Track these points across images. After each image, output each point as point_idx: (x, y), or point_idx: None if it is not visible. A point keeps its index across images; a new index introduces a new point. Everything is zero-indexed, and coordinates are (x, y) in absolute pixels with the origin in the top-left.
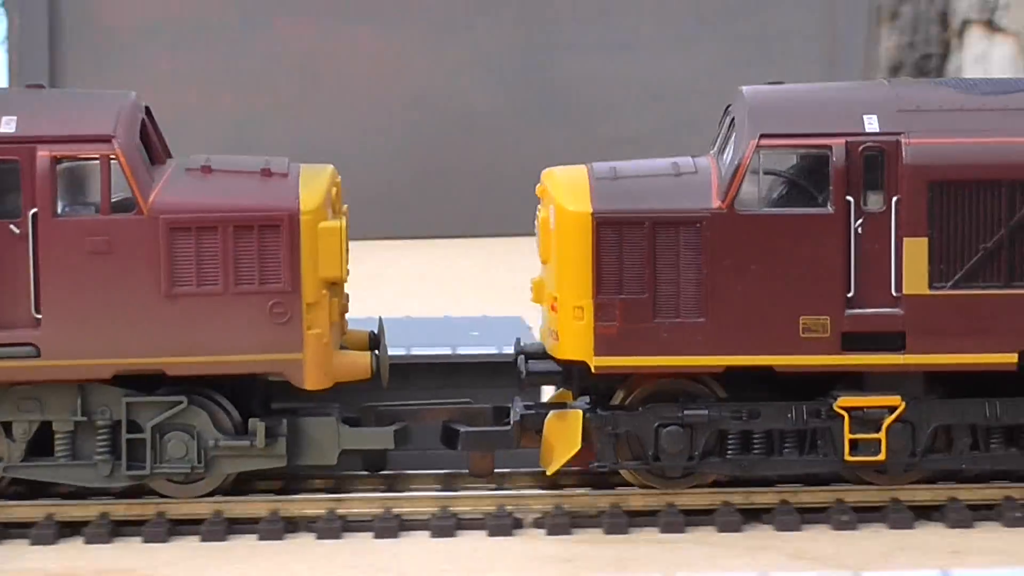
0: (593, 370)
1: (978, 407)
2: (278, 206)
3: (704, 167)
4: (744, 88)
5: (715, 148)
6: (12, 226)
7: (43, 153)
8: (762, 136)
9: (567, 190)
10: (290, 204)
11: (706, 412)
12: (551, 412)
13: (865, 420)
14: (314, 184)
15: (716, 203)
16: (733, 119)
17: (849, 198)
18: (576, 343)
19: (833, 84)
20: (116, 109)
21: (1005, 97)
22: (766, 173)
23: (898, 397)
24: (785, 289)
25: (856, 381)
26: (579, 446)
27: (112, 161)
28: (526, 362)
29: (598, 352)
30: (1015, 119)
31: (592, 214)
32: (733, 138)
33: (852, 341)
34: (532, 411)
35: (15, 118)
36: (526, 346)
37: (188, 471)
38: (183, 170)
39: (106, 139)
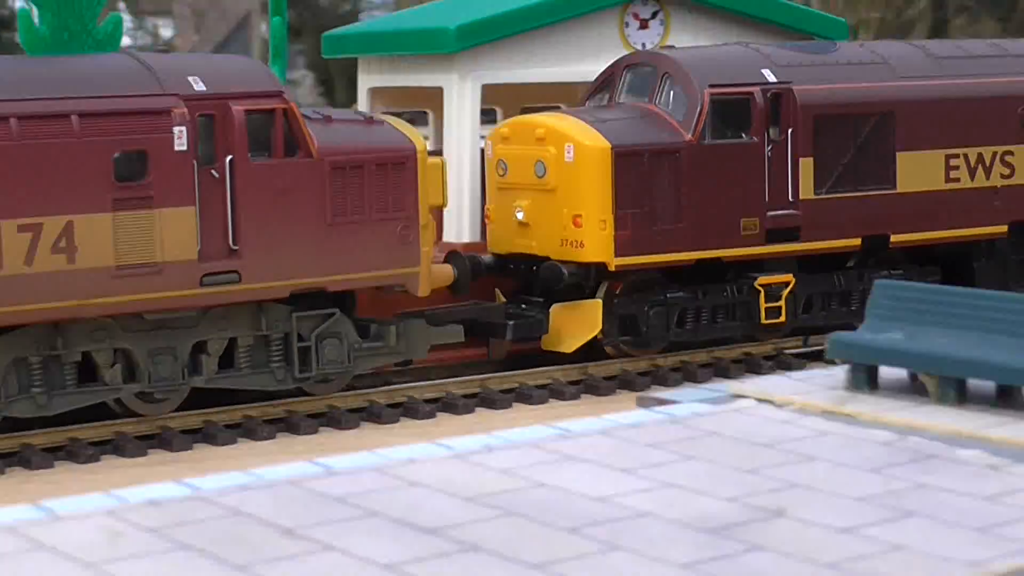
0: (613, 268)
1: (830, 280)
2: (403, 147)
3: (654, 112)
4: (670, 51)
5: (615, 96)
6: (212, 171)
7: (236, 107)
8: (710, 86)
9: (580, 132)
10: (409, 145)
11: (680, 294)
12: (554, 305)
13: (771, 294)
14: (408, 129)
15: (687, 137)
16: (644, 73)
17: (764, 131)
18: (600, 248)
19: (725, 48)
20: (266, 70)
21: (847, 54)
22: (712, 114)
23: (791, 275)
24: (731, 199)
25: (757, 267)
26: (600, 327)
27: (284, 112)
28: (561, 268)
29: (617, 254)
30: (860, 71)
31: (611, 148)
32: (665, 88)
33: (772, 235)
34: (542, 307)
35: (199, 78)
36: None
37: (342, 370)
38: (309, 120)
39: (278, 95)
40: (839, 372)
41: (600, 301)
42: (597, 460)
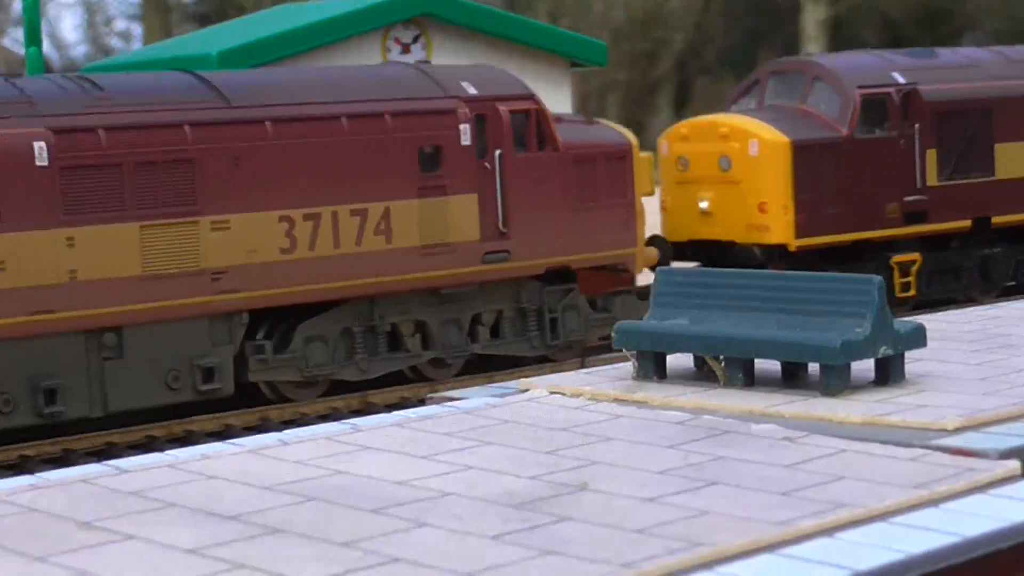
0: (793, 248)
1: (947, 257)
2: (622, 142)
3: (809, 111)
4: (818, 56)
5: (763, 99)
6: (485, 163)
7: (503, 108)
8: (859, 87)
9: (762, 129)
10: (626, 140)
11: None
12: None
13: (903, 270)
14: (620, 127)
15: (844, 132)
16: (791, 78)
17: (900, 126)
18: (783, 231)
19: (857, 54)
20: (516, 77)
21: (949, 59)
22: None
23: (918, 254)
24: (877, 186)
25: (889, 247)
26: None
27: (537, 112)
28: (754, 250)
29: (797, 236)
30: (964, 73)
31: (791, 142)
32: (817, 90)
33: (907, 218)
34: None
35: (469, 83)
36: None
37: (580, 337)
38: None
39: (531, 97)
40: (627, 366)
41: None
42: (394, 449)
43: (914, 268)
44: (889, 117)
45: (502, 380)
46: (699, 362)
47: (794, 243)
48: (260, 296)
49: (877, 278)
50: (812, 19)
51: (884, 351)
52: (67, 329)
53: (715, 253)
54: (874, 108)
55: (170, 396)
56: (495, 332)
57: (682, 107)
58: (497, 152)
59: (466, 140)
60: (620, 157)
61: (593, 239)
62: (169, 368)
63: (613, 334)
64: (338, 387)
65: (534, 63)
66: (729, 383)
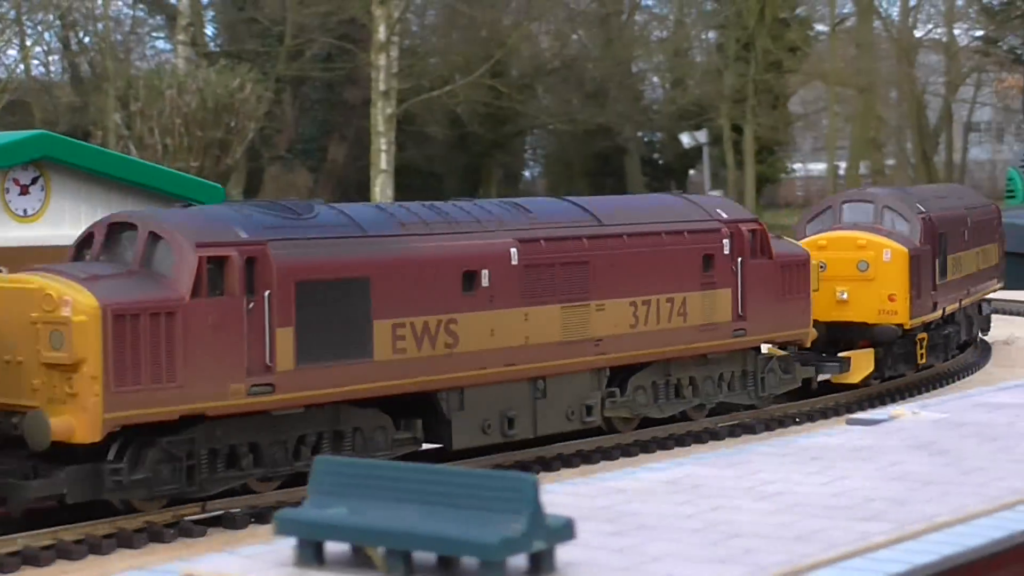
0: (907, 326)
1: None
2: (804, 253)
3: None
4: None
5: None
6: (732, 267)
7: (744, 228)
8: (919, 214)
9: (890, 241)
10: (805, 252)
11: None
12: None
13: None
14: (795, 242)
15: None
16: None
17: None
18: (904, 315)
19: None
20: (738, 204)
21: None
22: None
23: None
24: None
25: None
26: (872, 367)
27: (761, 231)
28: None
29: (911, 317)
30: None
31: (908, 252)
32: (884, 214)
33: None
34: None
35: (720, 210)
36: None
37: (776, 392)
38: None
39: (756, 220)
40: (286, 547)
41: (873, 350)
42: None
43: None
44: None
45: None
46: (355, 548)
47: (908, 323)
48: (617, 357)
49: (533, 477)
50: (382, 114)
51: (537, 546)
52: (521, 377)
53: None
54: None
55: (567, 425)
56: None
57: (254, 194)
58: (739, 259)
59: (726, 250)
60: (803, 264)
61: (787, 321)
62: (568, 405)
63: (275, 521)
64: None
65: (151, 203)
66: (389, 572)
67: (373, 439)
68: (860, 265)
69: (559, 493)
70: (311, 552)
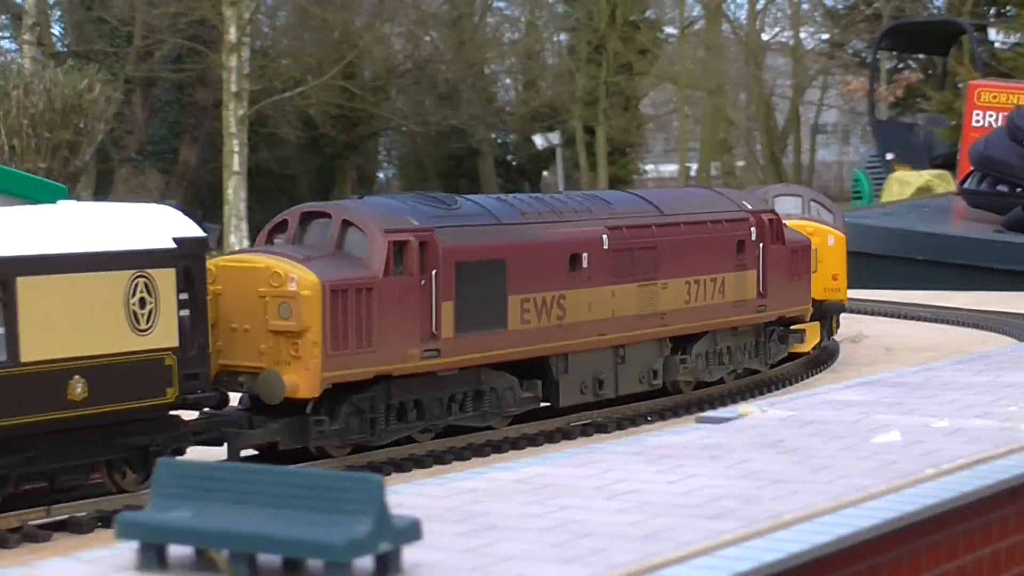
0: (846, 302)
1: None
2: (807, 240)
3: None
4: None
5: None
6: (756, 251)
7: (764, 217)
8: None
9: (831, 230)
10: (808, 239)
11: None
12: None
13: None
14: (795, 232)
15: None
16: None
17: None
18: (843, 293)
19: None
20: (761, 198)
21: None
22: None
23: None
24: None
25: None
26: (819, 337)
27: (776, 220)
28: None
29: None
30: None
31: (845, 238)
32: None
33: None
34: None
35: (746, 201)
36: None
37: (776, 360)
38: None
39: (774, 211)
40: (128, 551)
41: (819, 323)
42: None
43: None
44: None
45: None
46: (199, 550)
47: (847, 299)
48: (677, 328)
49: (379, 477)
50: (233, 115)
51: (383, 547)
52: (608, 346)
53: None
54: None
55: (639, 387)
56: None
57: (105, 196)
58: (761, 244)
59: (753, 236)
60: (807, 249)
61: (795, 298)
62: (640, 370)
63: (116, 524)
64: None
65: None
66: (233, 575)
67: (505, 397)
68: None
69: (408, 494)
70: (153, 556)
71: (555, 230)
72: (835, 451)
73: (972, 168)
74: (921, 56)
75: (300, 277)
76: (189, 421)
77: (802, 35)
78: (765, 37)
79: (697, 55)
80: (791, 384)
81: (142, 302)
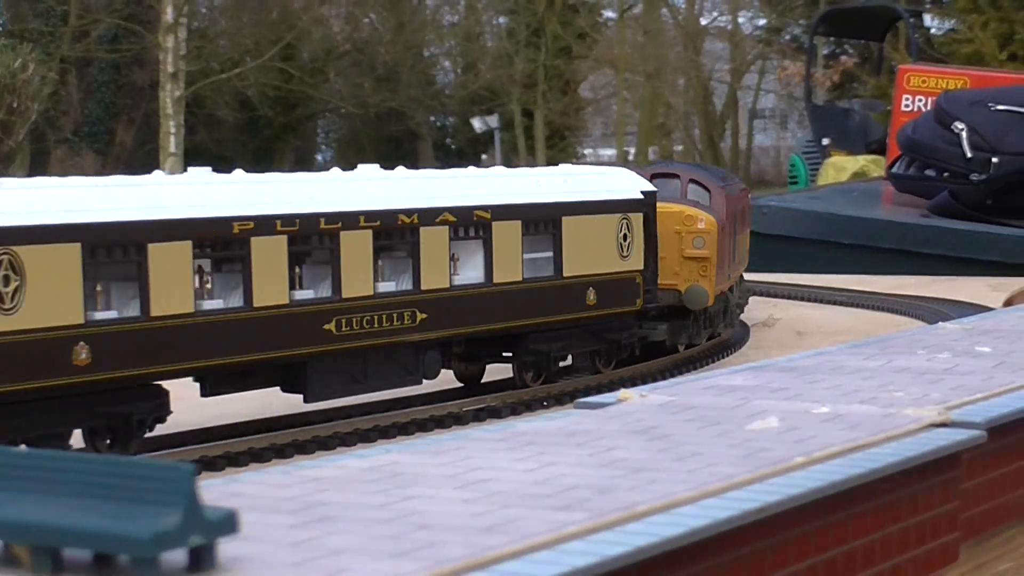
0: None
1: None
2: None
3: None
4: None
5: None
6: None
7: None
8: None
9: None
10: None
11: None
12: None
13: None
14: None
15: None
16: None
17: None
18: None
19: None
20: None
21: None
22: None
23: None
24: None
25: None
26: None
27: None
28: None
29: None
30: None
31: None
32: None
33: None
34: None
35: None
36: None
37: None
38: None
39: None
40: None
41: None
42: None
43: None
44: None
45: None
46: (6, 545)
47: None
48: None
49: (189, 466)
50: (170, 96)
51: (195, 541)
52: None
53: None
54: None
55: None
56: None
57: (39, 176)
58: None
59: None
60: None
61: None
62: None
63: None
64: None
65: None
66: (36, 569)
67: None
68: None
69: (249, 483)
70: None
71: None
72: (707, 438)
73: (901, 152)
74: (857, 41)
75: (706, 218)
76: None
77: (740, 20)
78: (703, 21)
79: (636, 39)
80: (696, 368)
81: (624, 237)
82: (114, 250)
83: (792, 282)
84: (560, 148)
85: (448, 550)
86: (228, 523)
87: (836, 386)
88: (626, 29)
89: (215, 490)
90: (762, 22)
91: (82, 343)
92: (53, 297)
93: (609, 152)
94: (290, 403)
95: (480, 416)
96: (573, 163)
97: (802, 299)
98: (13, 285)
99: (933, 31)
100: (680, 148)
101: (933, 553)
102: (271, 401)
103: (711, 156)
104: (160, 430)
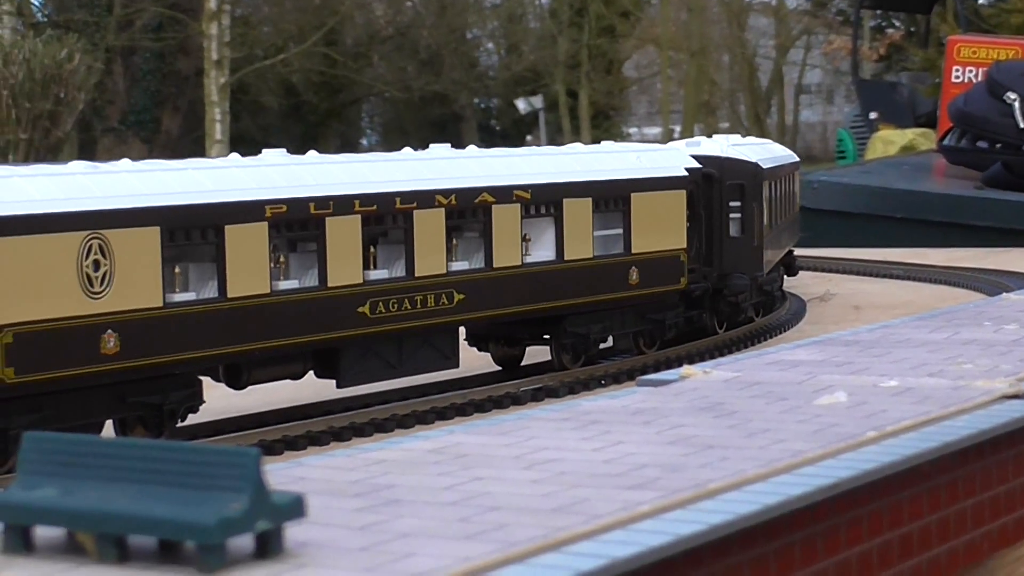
0: None
1: None
2: None
3: None
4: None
5: None
6: None
7: None
8: None
9: None
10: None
11: None
12: None
13: None
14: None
15: None
16: None
17: None
18: None
19: None
20: None
21: None
22: None
23: None
24: None
25: None
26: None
27: None
28: None
29: None
30: None
31: None
32: None
33: None
34: None
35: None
36: None
37: None
38: None
39: None
40: None
41: None
42: None
43: None
44: None
45: None
46: (70, 534)
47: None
48: None
49: (255, 451)
50: (215, 84)
51: (262, 526)
52: None
53: None
54: None
55: None
56: None
57: None
58: None
59: None
60: None
61: None
62: None
63: None
64: None
65: None
66: (102, 558)
67: None
68: None
69: (313, 466)
70: (19, 537)
71: None
72: (775, 414)
73: (952, 124)
74: (904, 14)
75: None
76: None
77: None
78: None
79: (679, 17)
80: (749, 346)
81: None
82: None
83: (847, 256)
84: (605, 128)
85: (519, 532)
86: (295, 507)
87: (903, 359)
88: (669, 7)
89: (280, 474)
90: None
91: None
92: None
93: (655, 131)
94: (320, 390)
95: (538, 396)
96: (616, 142)
97: (857, 273)
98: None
99: (981, 2)
100: (726, 125)
101: (1007, 527)
102: (286, 394)
103: (757, 132)
104: (199, 418)
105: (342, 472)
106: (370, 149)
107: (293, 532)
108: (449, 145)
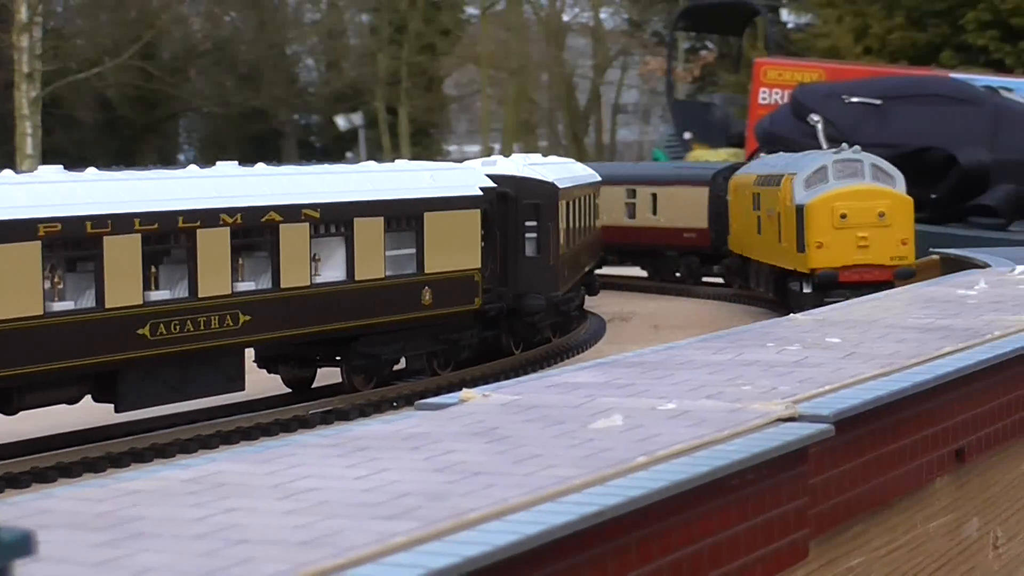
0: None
1: None
2: None
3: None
4: None
5: None
6: None
7: None
8: None
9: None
10: None
11: None
12: None
13: None
14: None
15: None
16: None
17: None
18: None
19: None
20: None
21: None
22: None
23: None
24: None
25: None
26: None
27: None
28: None
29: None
30: None
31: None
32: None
33: None
34: None
35: None
36: None
37: None
38: None
39: None
40: None
41: None
42: None
43: None
44: None
45: None
46: None
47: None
48: None
49: None
50: (26, 97)
51: None
52: None
53: None
54: None
55: None
56: None
57: None
58: None
59: None
60: None
61: None
62: None
63: None
64: None
65: None
66: None
67: None
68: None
69: (62, 498)
70: None
71: None
72: (548, 439)
73: (758, 144)
74: (717, 36)
75: None
76: None
77: (602, 15)
78: (566, 18)
79: (499, 36)
80: (547, 366)
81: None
82: None
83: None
84: (425, 145)
85: (263, 567)
86: (23, 545)
87: (683, 381)
88: (489, 26)
89: (22, 506)
90: (624, 17)
91: None
92: None
93: (475, 149)
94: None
95: (328, 419)
96: (436, 160)
97: (660, 292)
98: None
99: (790, 26)
100: (545, 144)
101: (782, 551)
102: (72, 418)
103: (575, 152)
104: None
105: (91, 504)
106: (187, 164)
107: (25, 570)
108: (265, 163)
